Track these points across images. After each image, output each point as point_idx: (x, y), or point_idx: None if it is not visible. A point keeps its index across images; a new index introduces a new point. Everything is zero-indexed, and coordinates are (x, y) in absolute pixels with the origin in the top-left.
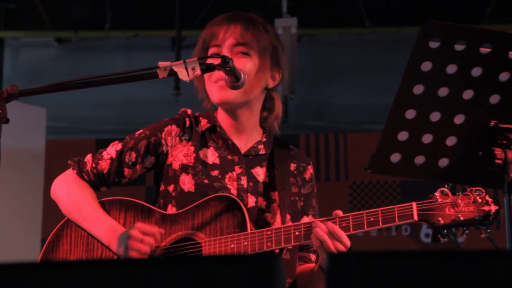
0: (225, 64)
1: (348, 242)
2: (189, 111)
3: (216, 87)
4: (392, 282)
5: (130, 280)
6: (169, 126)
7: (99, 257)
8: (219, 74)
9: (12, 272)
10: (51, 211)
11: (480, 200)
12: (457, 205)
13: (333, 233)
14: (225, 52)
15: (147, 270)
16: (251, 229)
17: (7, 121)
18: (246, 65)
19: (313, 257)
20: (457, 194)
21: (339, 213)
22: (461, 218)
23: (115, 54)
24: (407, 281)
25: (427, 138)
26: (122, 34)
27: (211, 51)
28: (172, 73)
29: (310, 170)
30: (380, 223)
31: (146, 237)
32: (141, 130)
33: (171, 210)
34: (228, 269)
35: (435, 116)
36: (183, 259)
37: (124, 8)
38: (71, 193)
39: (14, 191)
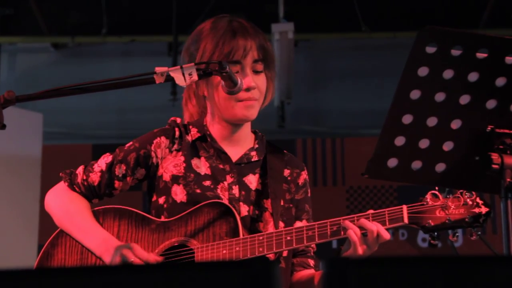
0: (222, 70)
1: (387, 236)
2: (178, 120)
3: (242, 106)
4: None
5: (123, 286)
6: (158, 138)
7: (93, 265)
8: (245, 94)
9: (8, 279)
10: (48, 216)
11: (470, 203)
12: (447, 207)
13: (370, 233)
14: (248, 71)
15: (142, 276)
16: (243, 235)
17: (3, 126)
18: (264, 81)
19: (311, 262)
20: (447, 196)
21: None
22: (452, 221)
23: (112, 60)
24: (405, 286)
25: (424, 143)
26: (118, 39)
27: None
28: (169, 79)
29: (303, 176)
30: None
31: (137, 261)
32: (130, 143)
33: None
34: (225, 276)
35: (432, 121)
36: (180, 266)
37: (120, 13)
38: (62, 204)
39: (11, 196)
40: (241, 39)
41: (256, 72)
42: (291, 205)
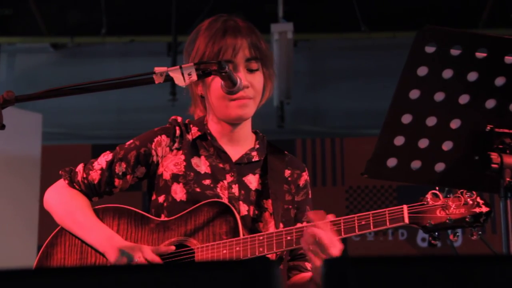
0: (221, 70)
1: (336, 250)
2: (179, 119)
3: (235, 105)
4: (390, 287)
5: (124, 286)
6: (159, 137)
7: (93, 264)
8: (238, 93)
9: (8, 279)
10: (47, 217)
11: (471, 202)
12: (448, 207)
13: (320, 242)
14: (241, 70)
15: (142, 276)
16: (243, 235)
17: (3, 127)
18: (260, 80)
19: (308, 265)
20: (448, 196)
21: (330, 217)
22: (452, 220)
23: (111, 60)
24: (405, 286)
25: (423, 143)
26: (118, 39)
27: None
28: (168, 79)
29: (304, 177)
30: (372, 227)
31: (142, 261)
32: (131, 141)
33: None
34: (225, 276)
35: (431, 121)
36: (180, 265)
37: (120, 13)
38: (63, 202)
39: (11, 197)
40: (230, 38)
41: (250, 70)
42: (290, 206)
